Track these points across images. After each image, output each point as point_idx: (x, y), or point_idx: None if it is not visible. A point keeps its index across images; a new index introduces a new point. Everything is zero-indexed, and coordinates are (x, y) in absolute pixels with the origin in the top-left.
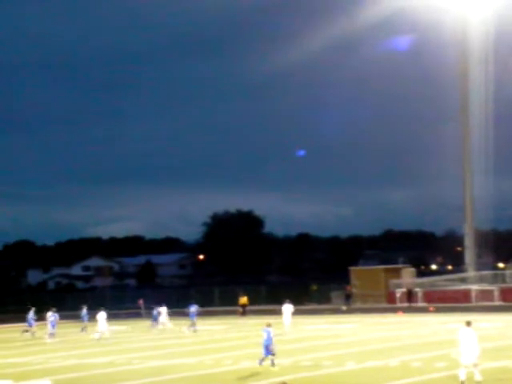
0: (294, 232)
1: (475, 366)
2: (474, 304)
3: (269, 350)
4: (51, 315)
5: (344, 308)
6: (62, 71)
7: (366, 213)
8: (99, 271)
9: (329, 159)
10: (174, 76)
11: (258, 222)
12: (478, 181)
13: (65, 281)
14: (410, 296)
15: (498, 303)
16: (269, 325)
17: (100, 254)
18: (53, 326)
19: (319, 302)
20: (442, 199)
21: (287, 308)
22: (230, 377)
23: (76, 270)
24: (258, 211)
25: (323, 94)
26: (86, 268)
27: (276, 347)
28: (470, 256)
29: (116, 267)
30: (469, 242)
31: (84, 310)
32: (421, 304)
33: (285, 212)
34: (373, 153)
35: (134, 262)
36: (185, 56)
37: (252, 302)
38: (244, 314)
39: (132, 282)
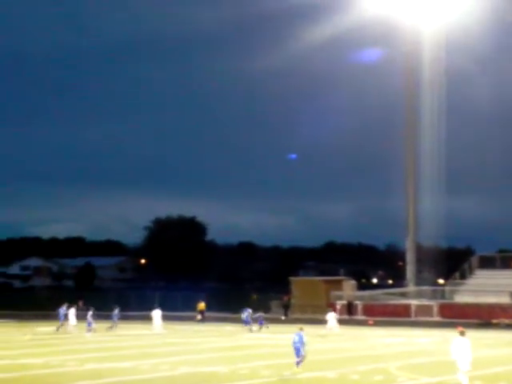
0: (236, 240)
1: (467, 372)
2: (413, 319)
3: (299, 352)
4: None
5: (283, 318)
6: (12, 70)
7: (309, 224)
8: (37, 271)
9: (274, 169)
10: (123, 79)
11: (200, 229)
12: (423, 197)
13: (1, 279)
14: (350, 308)
15: (436, 319)
16: (301, 329)
17: (39, 254)
18: None
19: (259, 310)
20: (385, 213)
21: (331, 316)
22: (165, 382)
23: (14, 269)
24: (201, 218)
25: (282, 104)
26: (25, 268)
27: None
28: (410, 271)
29: (55, 268)
30: (410, 257)
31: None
32: (360, 317)
33: (228, 220)
34: (319, 164)
35: (73, 263)
36: (139, 59)
37: (191, 308)
38: (203, 319)
39: (70, 283)
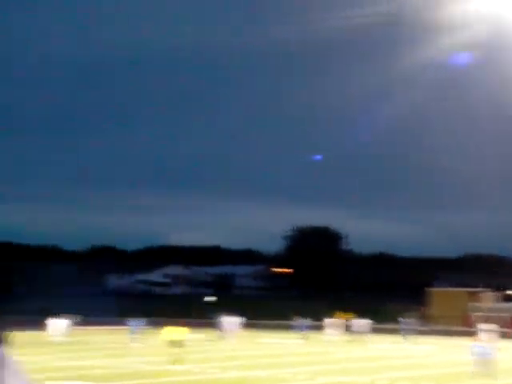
0: (371, 250)
1: None
2: None
3: (487, 363)
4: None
5: (419, 329)
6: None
7: (444, 234)
8: (177, 279)
9: (407, 180)
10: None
11: (336, 238)
12: None
13: (143, 287)
14: None
15: None
16: (478, 340)
17: (179, 261)
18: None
19: (395, 321)
20: None
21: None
22: None
23: (156, 276)
24: (337, 227)
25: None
26: (165, 275)
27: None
28: None
29: (193, 276)
30: None
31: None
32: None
33: (365, 229)
34: (451, 174)
35: (211, 271)
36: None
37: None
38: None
39: (209, 291)
